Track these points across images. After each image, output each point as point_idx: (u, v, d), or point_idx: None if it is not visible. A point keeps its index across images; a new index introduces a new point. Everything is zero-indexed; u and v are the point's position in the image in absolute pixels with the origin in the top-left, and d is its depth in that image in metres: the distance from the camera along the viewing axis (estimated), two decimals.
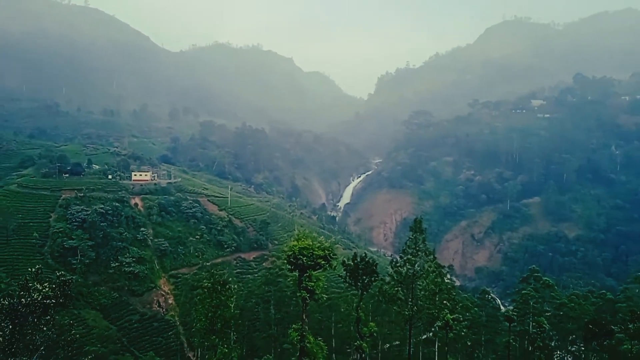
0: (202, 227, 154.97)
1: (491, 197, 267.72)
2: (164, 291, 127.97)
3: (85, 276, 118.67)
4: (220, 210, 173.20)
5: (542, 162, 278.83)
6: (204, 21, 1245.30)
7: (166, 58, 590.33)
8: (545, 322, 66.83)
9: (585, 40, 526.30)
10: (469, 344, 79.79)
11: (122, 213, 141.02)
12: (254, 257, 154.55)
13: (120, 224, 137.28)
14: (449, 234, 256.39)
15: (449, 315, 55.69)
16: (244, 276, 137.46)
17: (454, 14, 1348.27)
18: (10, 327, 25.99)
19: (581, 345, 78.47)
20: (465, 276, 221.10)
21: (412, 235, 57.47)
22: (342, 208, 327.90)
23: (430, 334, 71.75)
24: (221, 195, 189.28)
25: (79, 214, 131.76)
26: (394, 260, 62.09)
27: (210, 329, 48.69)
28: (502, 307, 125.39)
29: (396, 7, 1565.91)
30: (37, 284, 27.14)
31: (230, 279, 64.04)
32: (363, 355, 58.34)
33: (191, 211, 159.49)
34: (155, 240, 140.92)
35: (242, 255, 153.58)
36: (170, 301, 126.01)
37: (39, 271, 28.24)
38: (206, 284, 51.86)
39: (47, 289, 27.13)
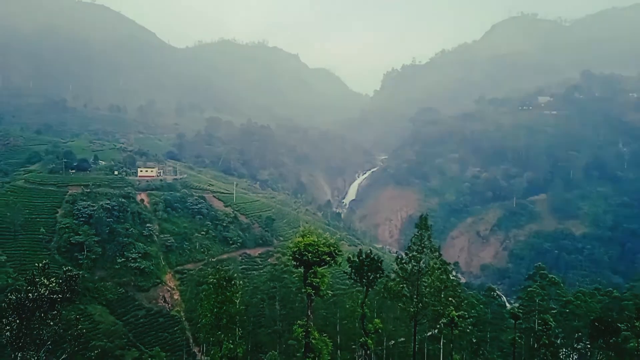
0: (208, 223, 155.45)
1: (497, 194, 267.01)
2: (170, 287, 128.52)
3: (91, 271, 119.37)
4: (226, 206, 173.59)
5: (548, 159, 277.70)
6: (209, 17, 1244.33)
7: (172, 54, 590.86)
8: (551, 319, 66.67)
9: (593, 36, 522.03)
10: (474, 341, 79.74)
11: (128, 209, 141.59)
12: (259, 254, 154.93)
13: (126, 219, 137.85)
14: (455, 231, 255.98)
15: (454, 312, 55.62)
16: (249, 272, 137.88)
17: (460, 10, 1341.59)
18: (18, 321, 26.20)
19: (587, 343, 78.19)
20: (471, 273, 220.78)
21: (418, 232, 57.38)
22: (347, 205, 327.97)
23: (436, 330, 71.67)
24: (227, 192, 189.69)
25: (86, 209, 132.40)
26: (399, 257, 61.97)
27: (216, 325, 48.90)
28: (507, 305, 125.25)
29: (402, 3, 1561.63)
30: (44, 279, 27.34)
31: (235, 275, 64.32)
32: (368, 351, 58.39)
33: (197, 207, 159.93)
34: (161, 236, 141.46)
35: (248, 252, 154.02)
36: (175, 297, 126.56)
37: (46, 266, 28.43)
38: (212, 280, 52.09)
39: (54, 284, 27.33)
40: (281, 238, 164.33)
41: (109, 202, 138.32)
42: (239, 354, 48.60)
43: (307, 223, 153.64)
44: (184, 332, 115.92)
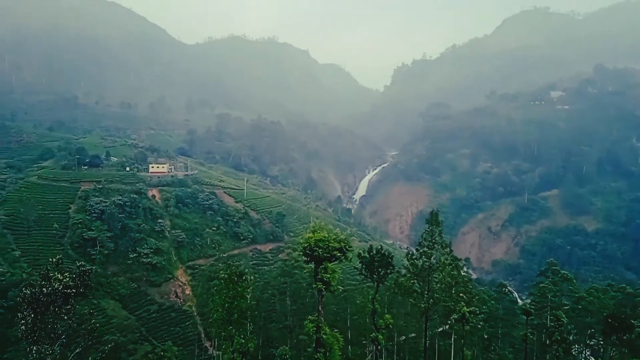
0: (219, 218, 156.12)
1: (508, 190, 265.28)
2: (181, 282, 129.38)
3: (104, 266, 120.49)
4: (237, 202, 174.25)
5: (560, 155, 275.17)
6: (219, 14, 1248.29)
7: (182, 51, 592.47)
8: (564, 315, 66.20)
9: (606, 30, 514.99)
10: (486, 336, 79.42)
11: (140, 205, 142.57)
12: (270, 249, 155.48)
13: (138, 215, 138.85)
14: (466, 227, 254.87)
15: (465, 308, 55.43)
16: (260, 268, 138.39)
17: (471, 5, 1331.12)
18: (33, 315, 26.55)
19: (600, 339, 77.62)
20: (482, 269, 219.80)
21: (429, 228, 57.23)
22: (357, 200, 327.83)
23: (447, 326, 71.50)
24: (237, 188, 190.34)
25: (98, 205, 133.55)
26: (410, 252, 61.93)
27: (227, 320, 49.14)
28: (519, 301, 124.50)
29: None
30: (58, 273, 27.67)
31: (246, 270, 64.45)
32: (379, 347, 58.46)
33: (208, 203, 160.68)
34: (173, 231, 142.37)
35: (258, 247, 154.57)
36: (187, 292, 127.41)
37: (60, 261, 28.77)
38: (223, 275, 52.31)
39: (67, 279, 27.65)
40: (292, 234, 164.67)
41: (121, 198, 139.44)
42: (250, 349, 48.85)
43: (317, 219, 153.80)
44: (196, 327, 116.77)
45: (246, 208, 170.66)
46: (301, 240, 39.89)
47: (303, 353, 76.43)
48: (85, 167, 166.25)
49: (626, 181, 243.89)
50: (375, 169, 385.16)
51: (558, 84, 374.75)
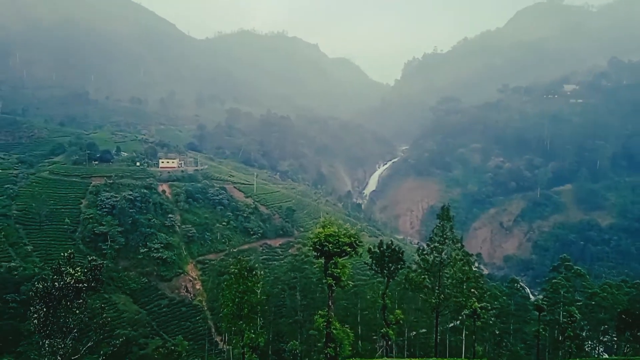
0: (229, 213, 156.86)
1: (521, 185, 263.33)
2: (192, 277, 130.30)
3: (115, 261, 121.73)
4: (247, 197, 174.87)
5: (574, 149, 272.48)
6: (229, 8, 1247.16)
7: (192, 46, 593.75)
8: (577, 311, 65.80)
9: (621, 22, 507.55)
10: (497, 332, 79.24)
11: (150, 200, 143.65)
12: (280, 244, 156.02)
13: (149, 210, 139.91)
14: (477, 222, 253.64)
15: (476, 303, 55.25)
16: (270, 262, 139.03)
17: None
18: (45, 309, 26.86)
19: (613, 335, 77.02)
20: (494, 265, 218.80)
21: (440, 223, 57.01)
22: (368, 196, 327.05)
23: (458, 322, 71.37)
24: (247, 183, 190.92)
25: (109, 200, 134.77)
26: (421, 248, 61.76)
27: (237, 314, 49.44)
28: (531, 297, 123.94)
29: None
30: (69, 268, 27.95)
31: (256, 265, 64.85)
32: (389, 342, 58.49)
33: (218, 198, 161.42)
34: (183, 226, 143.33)
35: (268, 242, 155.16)
36: (197, 286, 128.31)
37: (71, 256, 29.05)
38: (233, 270, 52.64)
39: (79, 273, 27.93)
40: (301, 229, 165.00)
41: (131, 193, 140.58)
42: (260, 344, 49.15)
43: (327, 214, 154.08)
44: (206, 322, 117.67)
45: (256, 203, 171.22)
46: (311, 235, 39.98)
47: (313, 348, 76.73)
48: (96, 162, 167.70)
49: None
50: (386, 163, 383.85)
51: (572, 78, 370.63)
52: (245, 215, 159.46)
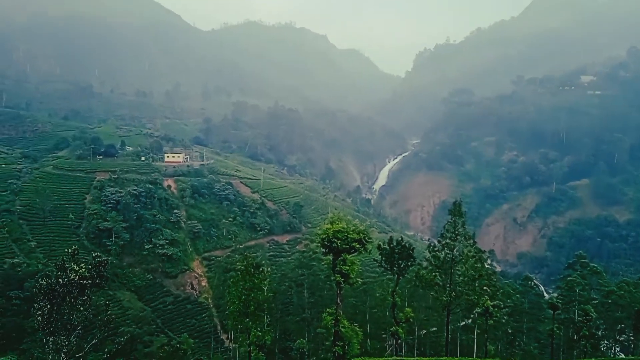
0: (235, 209, 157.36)
1: (535, 179, 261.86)
2: (197, 273, 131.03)
3: (120, 257, 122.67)
4: (253, 192, 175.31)
5: (591, 142, 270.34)
6: None
7: (198, 37, 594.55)
8: (592, 310, 65.45)
9: None
10: (510, 331, 79.01)
11: (156, 195, 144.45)
12: (287, 240, 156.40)
13: (154, 205, 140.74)
14: (490, 218, 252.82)
15: (489, 301, 55.12)
16: (277, 259, 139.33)
17: None
18: (49, 306, 27.12)
19: (630, 334, 76.62)
20: (507, 262, 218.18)
21: (451, 219, 56.80)
22: (377, 191, 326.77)
23: (469, 320, 71.28)
24: (254, 177, 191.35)
25: (113, 195, 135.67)
26: (432, 244, 61.62)
27: (244, 312, 49.68)
28: (545, 295, 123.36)
29: None
30: (73, 264, 28.16)
31: (263, 261, 65.03)
32: (399, 341, 58.59)
33: (224, 193, 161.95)
34: (188, 222, 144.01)
35: (276, 238, 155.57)
36: (203, 283, 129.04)
37: (75, 252, 29.27)
38: (239, 267, 52.85)
39: (83, 270, 28.12)
40: (309, 225, 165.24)
41: (136, 188, 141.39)
42: (267, 342, 49.39)
43: (336, 209, 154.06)
44: (212, 319, 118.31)
45: (263, 198, 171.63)
46: (319, 232, 39.94)
47: (321, 346, 76.97)
48: (101, 157, 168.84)
49: None
50: (396, 157, 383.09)
51: (589, 68, 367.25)
52: (251, 210, 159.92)
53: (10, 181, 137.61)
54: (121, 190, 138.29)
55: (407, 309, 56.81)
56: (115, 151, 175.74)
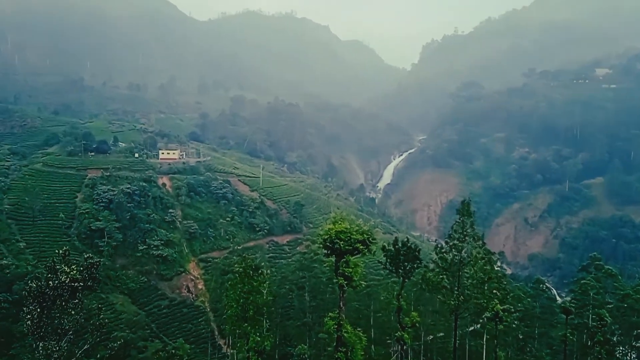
0: (233, 208, 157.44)
1: (547, 178, 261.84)
2: (194, 276, 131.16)
3: (112, 259, 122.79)
4: (252, 190, 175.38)
5: (606, 139, 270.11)
6: None
7: (194, 28, 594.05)
8: (607, 314, 65.31)
9: None
10: (521, 337, 78.99)
11: (150, 193, 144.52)
12: (287, 241, 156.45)
13: (148, 204, 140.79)
14: (500, 218, 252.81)
15: (498, 305, 55.08)
16: (277, 261, 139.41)
17: None
18: (39, 310, 27.20)
19: None
20: (518, 264, 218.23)
21: (459, 219, 56.76)
22: (382, 189, 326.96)
23: (478, 325, 71.24)
24: (253, 175, 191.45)
25: (106, 194, 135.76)
26: (439, 245, 61.61)
27: (242, 316, 49.72)
28: (558, 298, 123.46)
29: None
30: (64, 266, 28.22)
31: (262, 263, 65.20)
32: (404, 346, 58.64)
33: (221, 192, 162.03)
34: (184, 222, 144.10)
35: (275, 239, 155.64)
36: (200, 286, 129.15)
37: (66, 253, 29.32)
38: (238, 269, 52.87)
39: (74, 272, 28.19)
40: (311, 225, 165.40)
41: (129, 186, 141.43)
42: (266, 347, 49.38)
43: (338, 209, 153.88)
44: (209, 324, 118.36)
45: (262, 197, 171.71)
46: (321, 232, 39.96)
47: (323, 352, 77.05)
48: (92, 154, 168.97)
49: None
50: (402, 154, 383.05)
51: (604, 61, 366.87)
52: (250, 210, 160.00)
53: None
54: (114, 189, 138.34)
55: (413, 313, 56.79)
56: (107, 147, 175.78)
